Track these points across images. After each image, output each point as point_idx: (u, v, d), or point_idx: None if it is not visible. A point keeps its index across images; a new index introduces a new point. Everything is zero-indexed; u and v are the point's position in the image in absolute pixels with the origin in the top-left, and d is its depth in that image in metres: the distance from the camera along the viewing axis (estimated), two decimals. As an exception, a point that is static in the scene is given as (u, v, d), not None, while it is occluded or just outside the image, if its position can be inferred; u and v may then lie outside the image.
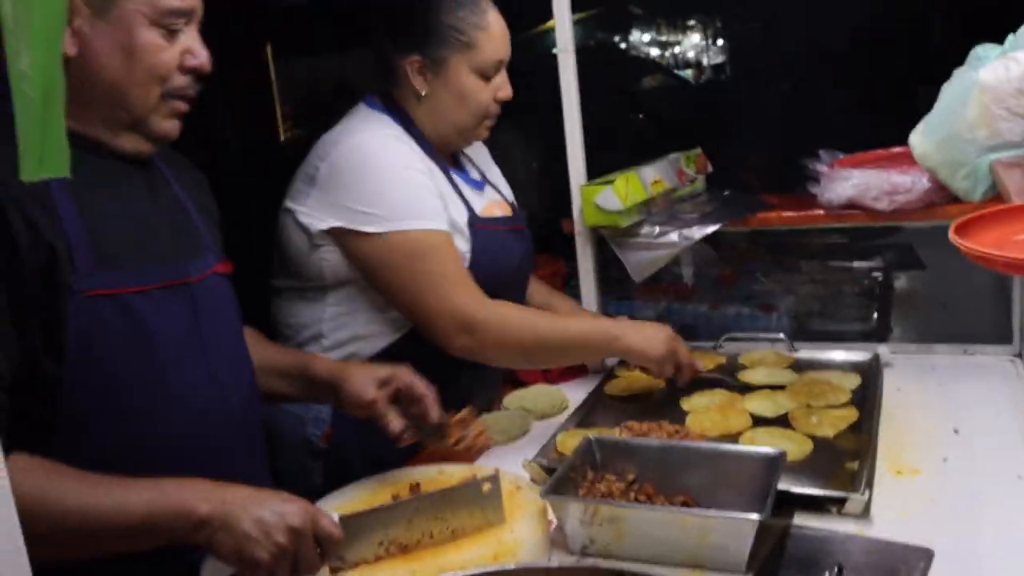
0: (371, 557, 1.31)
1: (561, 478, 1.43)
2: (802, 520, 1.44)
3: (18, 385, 1.20)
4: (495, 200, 2.03)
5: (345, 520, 1.27)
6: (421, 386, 1.55)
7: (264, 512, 1.19)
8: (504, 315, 1.80)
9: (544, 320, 1.87)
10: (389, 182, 1.77)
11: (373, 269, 1.79)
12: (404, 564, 1.30)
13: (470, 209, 1.90)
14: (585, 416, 1.88)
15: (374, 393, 1.53)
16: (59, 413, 1.24)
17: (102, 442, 1.26)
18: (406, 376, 1.55)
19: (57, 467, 1.18)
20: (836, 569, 1.28)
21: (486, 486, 1.38)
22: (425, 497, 1.37)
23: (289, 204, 1.83)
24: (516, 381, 2.13)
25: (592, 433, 1.58)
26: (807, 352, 2.12)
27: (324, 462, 1.82)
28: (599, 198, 2.07)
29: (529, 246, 2.07)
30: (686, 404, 1.87)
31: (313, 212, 1.78)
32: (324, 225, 1.77)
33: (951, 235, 1.48)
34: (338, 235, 1.78)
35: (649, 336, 1.86)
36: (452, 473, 1.55)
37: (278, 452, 1.77)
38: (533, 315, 1.88)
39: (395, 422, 1.50)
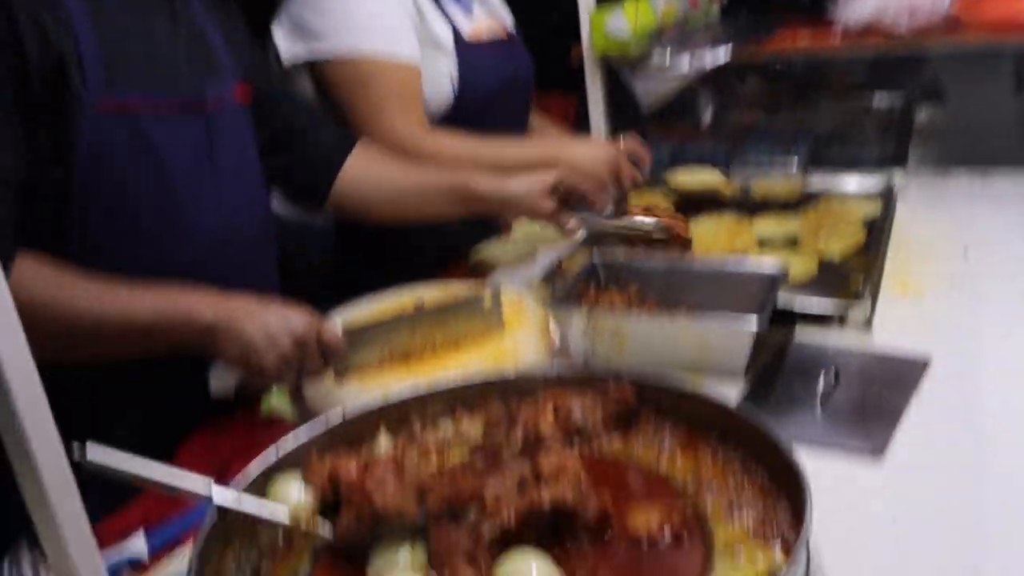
0: (374, 364, 1.34)
1: (565, 293, 1.44)
2: (803, 334, 1.45)
3: (28, 192, 1.20)
4: (486, 21, 1.96)
5: (348, 330, 1.29)
6: (586, 183, 1.68)
7: (269, 320, 1.21)
8: (441, 144, 1.78)
9: (486, 148, 1.83)
10: None
11: (332, 97, 1.79)
12: (407, 369, 1.32)
13: (455, 28, 1.84)
14: (594, 239, 1.86)
15: (550, 205, 1.61)
16: (69, 232, 1.25)
17: (111, 264, 1.27)
18: (569, 177, 1.64)
19: (67, 271, 1.20)
20: (833, 374, 1.29)
21: (487, 300, 1.39)
22: (427, 310, 1.38)
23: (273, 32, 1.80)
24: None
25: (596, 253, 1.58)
26: (821, 180, 2.07)
27: (333, 282, 1.84)
28: (609, 22, 2.00)
29: (526, 69, 2.02)
30: (693, 227, 1.85)
31: (283, 40, 1.77)
32: (289, 55, 1.76)
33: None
34: (303, 70, 1.77)
35: (592, 152, 1.85)
36: (457, 290, 1.56)
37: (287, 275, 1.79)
38: (475, 144, 1.84)
39: (571, 222, 1.64)
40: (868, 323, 1.45)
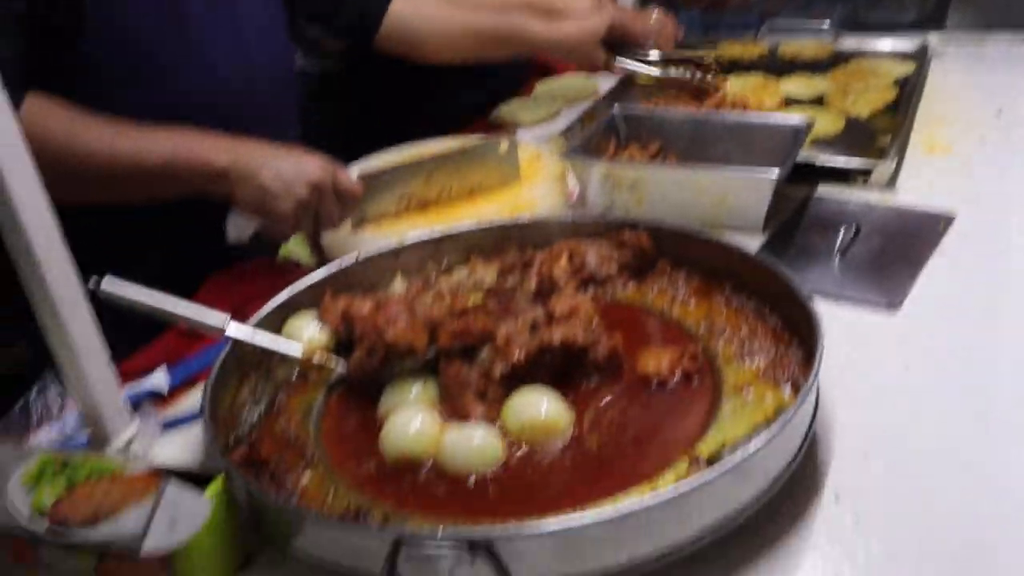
0: (391, 212, 1.31)
1: (584, 145, 1.40)
2: (826, 190, 1.40)
3: (37, 28, 1.16)
4: None
5: (365, 177, 1.26)
6: (636, 24, 1.69)
7: (283, 166, 1.18)
8: None
9: None
10: None
11: None
12: (423, 218, 1.30)
13: None
14: (617, 98, 1.80)
15: (601, 55, 1.61)
16: (80, 71, 1.21)
17: (124, 107, 1.23)
18: (619, 18, 1.64)
19: (80, 111, 1.17)
20: (854, 229, 1.26)
21: (503, 145, 1.35)
22: (444, 156, 1.34)
23: None
24: (545, 71, 2.05)
25: (618, 106, 1.52)
26: (853, 42, 1.98)
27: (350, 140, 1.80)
28: None
29: None
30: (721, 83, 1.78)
31: None
32: None
33: None
34: None
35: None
36: (475, 140, 1.52)
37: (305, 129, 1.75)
38: None
39: (600, 57, 1.62)
40: (892, 181, 1.40)
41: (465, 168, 1.33)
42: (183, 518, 0.71)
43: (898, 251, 1.22)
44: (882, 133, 1.53)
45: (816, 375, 0.82)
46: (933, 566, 0.75)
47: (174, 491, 0.71)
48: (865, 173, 1.41)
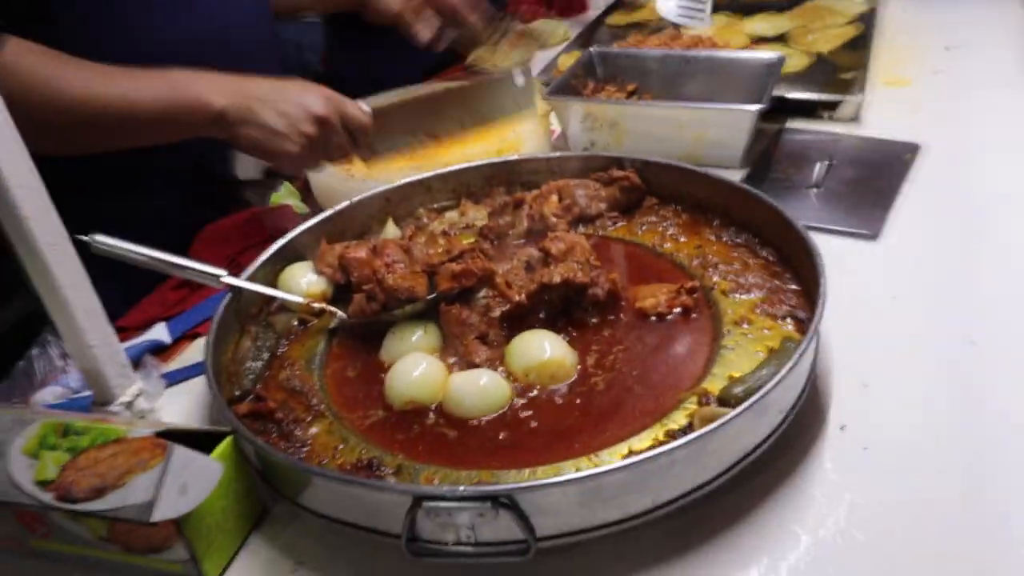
0: (403, 146, 1.14)
1: (563, 84, 1.28)
2: (794, 125, 1.31)
3: None
4: None
5: (375, 110, 1.08)
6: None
7: (286, 104, 1.01)
8: None
9: None
10: None
11: None
12: (436, 151, 1.15)
13: None
14: (587, 41, 1.68)
15: (401, 4, 1.33)
16: (58, 22, 1.06)
17: (103, 57, 1.08)
18: None
19: (60, 55, 1.00)
20: (827, 162, 1.17)
21: (520, 78, 1.19)
22: (456, 88, 1.19)
23: None
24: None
25: (595, 46, 1.41)
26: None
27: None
28: None
29: None
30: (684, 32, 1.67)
31: None
32: None
33: None
34: None
35: None
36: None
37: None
38: None
39: (423, 31, 1.30)
40: (858, 115, 1.31)
41: (478, 101, 1.17)
42: (193, 482, 0.61)
43: (871, 181, 1.13)
44: (844, 69, 1.43)
45: (823, 307, 0.73)
46: (940, 483, 0.69)
47: (182, 455, 0.61)
48: (831, 107, 1.32)
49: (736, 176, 1.16)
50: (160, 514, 0.59)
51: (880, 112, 1.34)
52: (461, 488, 0.59)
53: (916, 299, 0.91)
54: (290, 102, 1.01)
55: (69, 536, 0.65)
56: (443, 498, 0.59)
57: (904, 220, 1.05)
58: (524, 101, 1.20)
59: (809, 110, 1.33)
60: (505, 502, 0.58)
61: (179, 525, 0.62)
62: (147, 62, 1.03)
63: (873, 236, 1.02)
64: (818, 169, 1.14)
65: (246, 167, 1.11)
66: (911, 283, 0.93)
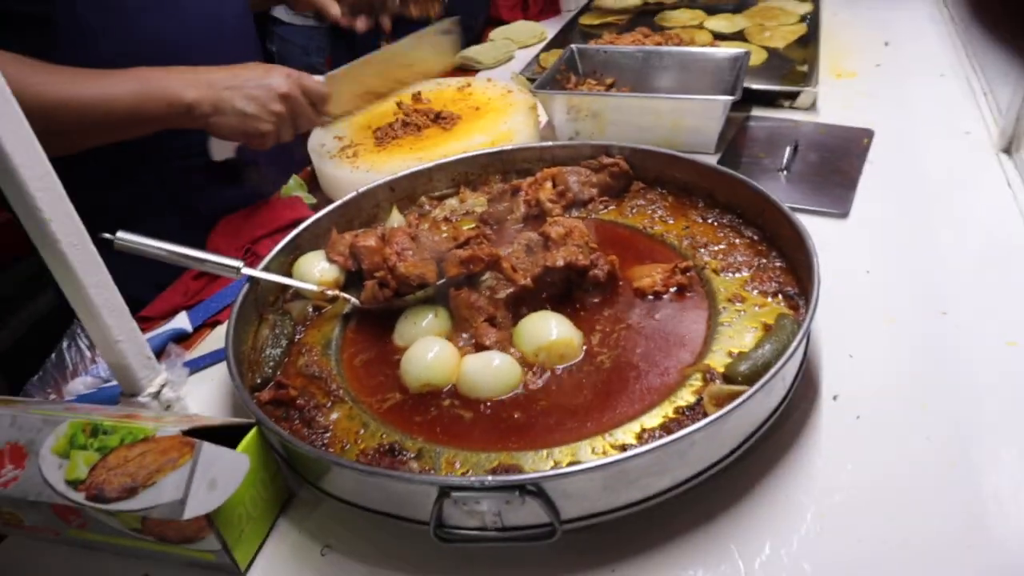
0: (352, 108, 1.10)
1: (548, 79, 1.19)
2: (757, 113, 1.24)
3: None
4: None
5: (328, 77, 1.03)
6: None
7: (253, 88, 0.95)
8: None
9: None
10: None
11: None
12: (410, 151, 1.09)
13: None
14: (564, 40, 1.59)
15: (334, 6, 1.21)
16: (50, 23, 0.95)
17: (96, 56, 0.95)
18: None
19: (32, 62, 0.89)
20: (794, 145, 1.10)
21: (446, 27, 1.14)
22: (393, 47, 1.13)
23: None
24: (498, 21, 1.81)
25: (574, 45, 1.32)
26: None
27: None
28: None
29: None
30: (660, 21, 1.58)
31: None
32: None
33: None
34: None
35: None
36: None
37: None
38: None
39: (332, 8, 1.20)
40: (814, 104, 1.24)
41: (410, 58, 1.12)
42: (222, 477, 0.53)
43: (833, 164, 1.07)
44: (798, 63, 1.36)
45: (819, 286, 0.67)
46: (929, 438, 0.64)
47: (209, 452, 0.53)
48: (791, 96, 1.24)
49: (711, 160, 1.09)
50: (192, 511, 0.51)
51: (832, 101, 1.27)
52: (488, 478, 0.52)
53: (889, 273, 0.85)
54: (256, 86, 0.95)
55: (104, 527, 0.57)
56: (471, 488, 0.51)
57: (868, 199, 0.99)
58: (445, 48, 1.17)
59: (770, 100, 1.26)
60: (532, 490, 0.51)
61: (210, 518, 0.54)
62: (143, 61, 0.94)
63: (843, 215, 0.95)
64: (788, 153, 1.07)
65: (221, 149, 1.03)
66: (884, 258, 0.87)
